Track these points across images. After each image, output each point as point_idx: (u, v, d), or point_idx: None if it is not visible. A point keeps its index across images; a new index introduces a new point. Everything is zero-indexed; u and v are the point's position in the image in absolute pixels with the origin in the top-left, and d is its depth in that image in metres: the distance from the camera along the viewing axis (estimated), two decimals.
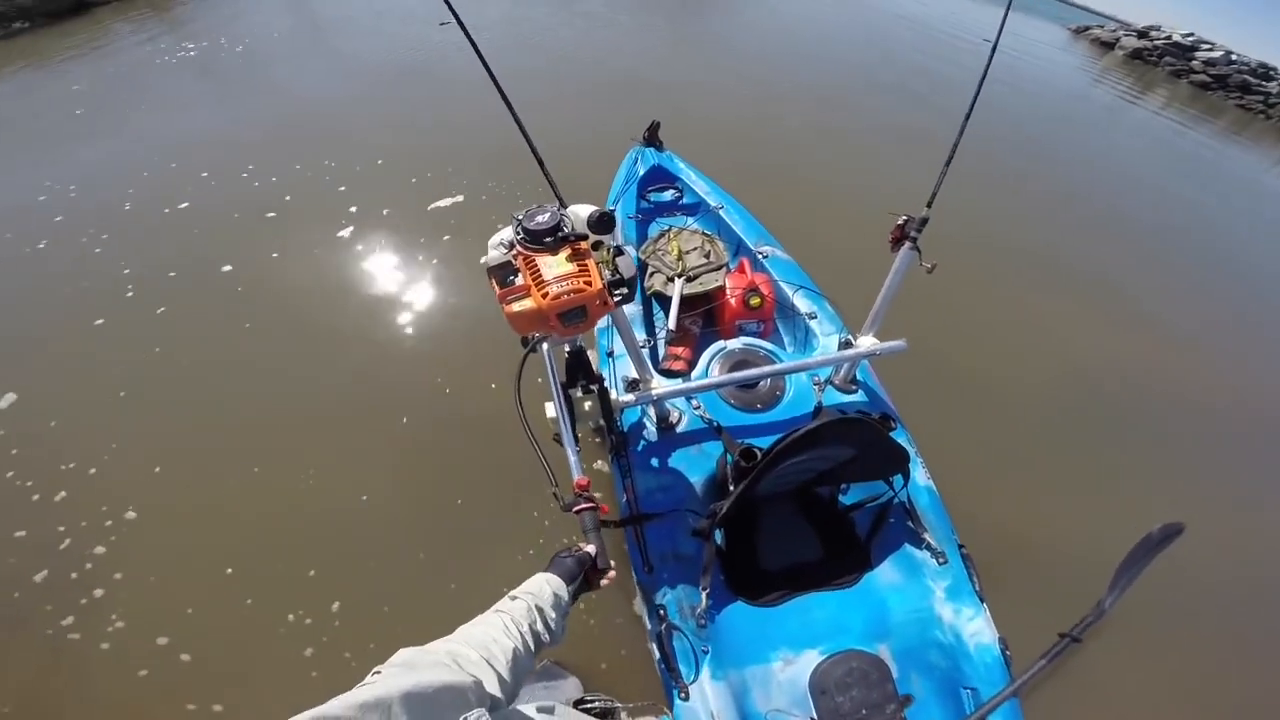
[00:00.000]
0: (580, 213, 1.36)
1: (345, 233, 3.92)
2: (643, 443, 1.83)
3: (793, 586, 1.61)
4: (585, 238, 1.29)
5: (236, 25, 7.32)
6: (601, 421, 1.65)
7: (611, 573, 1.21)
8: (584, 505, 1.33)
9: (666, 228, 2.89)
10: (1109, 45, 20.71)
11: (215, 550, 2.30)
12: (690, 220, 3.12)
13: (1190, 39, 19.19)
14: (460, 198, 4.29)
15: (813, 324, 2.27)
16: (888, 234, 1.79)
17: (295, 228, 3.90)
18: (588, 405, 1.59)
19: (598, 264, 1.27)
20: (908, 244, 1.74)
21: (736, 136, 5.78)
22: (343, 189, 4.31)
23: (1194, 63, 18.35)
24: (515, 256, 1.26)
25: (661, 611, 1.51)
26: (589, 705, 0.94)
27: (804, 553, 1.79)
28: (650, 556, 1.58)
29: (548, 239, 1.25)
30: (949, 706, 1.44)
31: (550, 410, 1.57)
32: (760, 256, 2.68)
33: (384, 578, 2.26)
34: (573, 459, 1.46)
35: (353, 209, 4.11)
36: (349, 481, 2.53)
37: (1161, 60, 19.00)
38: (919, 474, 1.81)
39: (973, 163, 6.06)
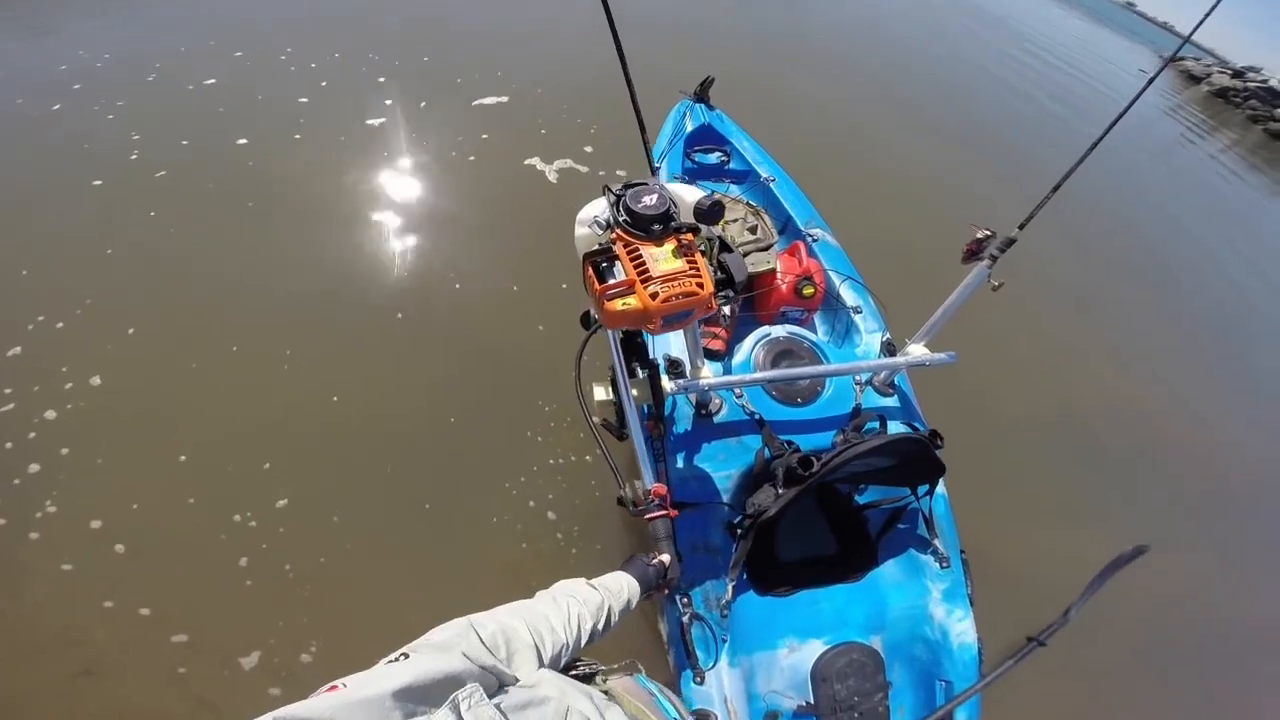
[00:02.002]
0: (685, 197, 1.16)
1: (377, 121, 3.61)
2: (680, 428, 1.71)
3: (805, 579, 1.63)
4: (695, 229, 1.11)
5: None
6: (644, 406, 1.54)
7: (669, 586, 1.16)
8: (657, 513, 1.22)
9: (710, 192, 2.53)
10: (1196, 79, 18.90)
11: (173, 432, 2.06)
12: (735, 188, 2.79)
13: None
14: (505, 98, 3.99)
15: (856, 318, 2.13)
16: (961, 245, 1.65)
17: (324, 113, 3.59)
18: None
19: (705, 260, 1.10)
20: (986, 261, 1.61)
21: (792, 107, 5.19)
22: (382, 80, 3.98)
23: (1278, 110, 16.61)
24: (614, 241, 1.08)
25: (685, 600, 1.48)
26: (575, 670, 0.88)
27: (819, 547, 1.83)
28: (679, 545, 1.48)
29: (655, 227, 1.07)
30: (921, 695, 1.52)
31: (599, 393, 1.51)
32: (810, 239, 2.42)
33: (342, 486, 2.04)
34: (646, 462, 1.37)
35: (388, 101, 3.79)
36: (325, 378, 2.29)
37: (1245, 103, 17.39)
38: (940, 483, 1.78)
39: (1007, 172, 5.56)
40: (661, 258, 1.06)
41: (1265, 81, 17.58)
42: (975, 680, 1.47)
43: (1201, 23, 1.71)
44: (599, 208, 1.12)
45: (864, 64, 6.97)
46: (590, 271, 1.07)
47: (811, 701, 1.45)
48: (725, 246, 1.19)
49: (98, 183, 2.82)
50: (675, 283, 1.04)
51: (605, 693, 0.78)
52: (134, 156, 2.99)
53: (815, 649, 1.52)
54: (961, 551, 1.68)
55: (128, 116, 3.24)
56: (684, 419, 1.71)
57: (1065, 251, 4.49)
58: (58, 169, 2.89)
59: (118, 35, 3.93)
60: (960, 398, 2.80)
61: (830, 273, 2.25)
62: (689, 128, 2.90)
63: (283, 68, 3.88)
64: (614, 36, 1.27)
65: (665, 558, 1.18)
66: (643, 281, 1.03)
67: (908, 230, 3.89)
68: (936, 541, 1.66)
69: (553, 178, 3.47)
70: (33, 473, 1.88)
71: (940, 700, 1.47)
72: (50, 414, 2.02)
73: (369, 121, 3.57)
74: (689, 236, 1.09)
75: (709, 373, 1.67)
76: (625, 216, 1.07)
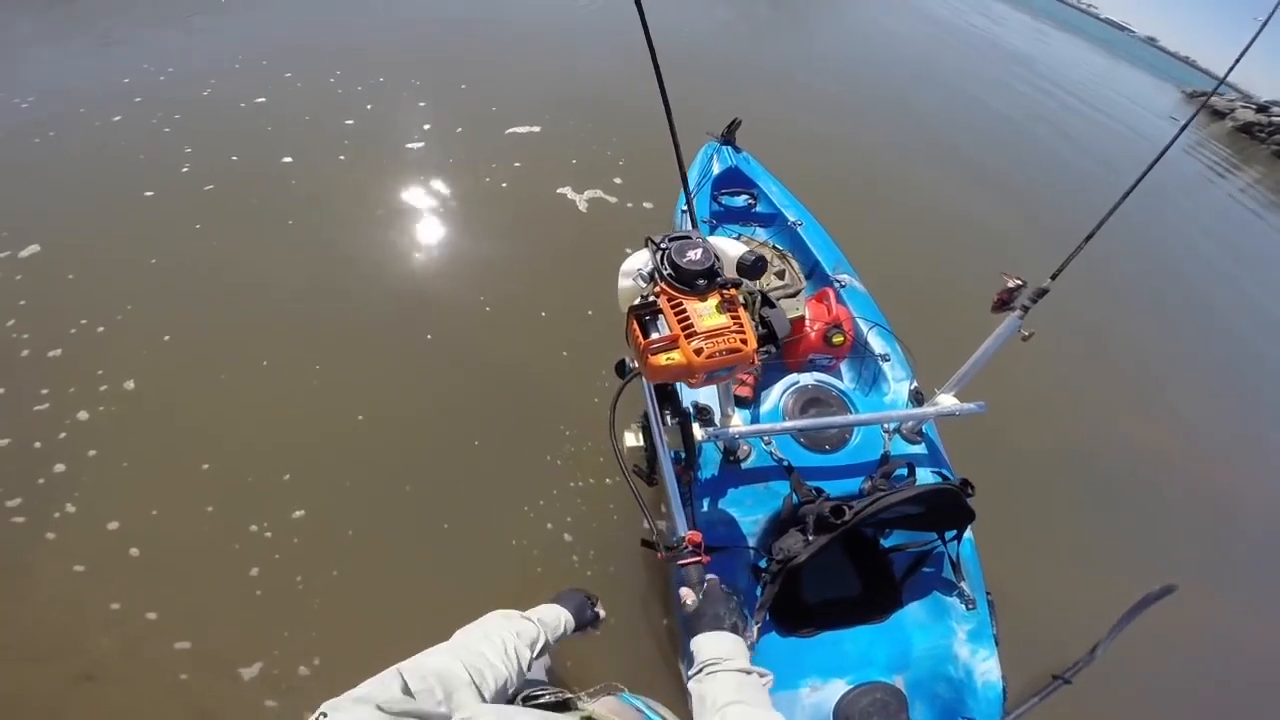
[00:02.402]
0: (729, 251, 1.14)
1: (417, 145, 3.69)
2: (708, 474, 1.71)
3: (829, 620, 1.61)
4: (738, 284, 1.10)
5: None
6: (674, 452, 1.55)
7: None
8: (690, 559, 1.20)
9: (736, 235, 2.60)
10: (1221, 115, 18.58)
11: (198, 440, 2.04)
12: (762, 232, 2.80)
13: None
14: (537, 128, 4.06)
15: (884, 366, 2.12)
16: (991, 293, 1.62)
17: (367, 135, 3.67)
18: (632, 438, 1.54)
19: (748, 315, 1.10)
20: (1018, 312, 1.58)
21: (815, 148, 5.15)
22: (422, 104, 4.08)
23: None
24: (658, 294, 1.08)
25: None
26: (538, 698, 0.84)
27: (844, 589, 1.81)
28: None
29: (700, 282, 1.07)
30: None
31: (629, 439, 1.54)
32: (838, 284, 2.40)
33: (359, 502, 2.00)
34: (678, 510, 1.35)
35: (426, 126, 3.87)
36: (352, 395, 2.27)
37: (1270, 138, 16.97)
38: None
39: (1033, 215, 5.43)
40: (705, 313, 1.05)
41: None
42: (999, 718, 1.46)
43: (1235, 64, 1.71)
44: (642, 260, 1.12)
45: (888, 105, 6.96)
46: (635, 325, 1.07)
47: None
48: (768, 301, 1.17)
49: (149, 194, 2.90)
50: (719, 339, 1.03)
51: (586, 719, 0.74)
52: (185, 170, 3.07)
53: (838, 689, 1.49)
54: (988, 593, 1.68)
55: (182, 130, 3.35)
56: (711, 464, 1.72)
57: (1081, 288, 4.32)
58: (112, 178, 2.97)
59: (179, 50, 4.12)
60: (981, 435, 2.70)
61: (858, 320, 2.23)
62: (716, 170, 2.90)
63: (330, 90, 4.00)
64: (656, 70, 1.25)
65: (602, 611, 1.16)
66: (687, 337, 1.02)
67: (933, 274, 3.84)
68: (963, 584, 1.65)
69: (583, 207, 3.48)
70: (58, 472, 1.88)
71: None
72: (83, 414, 2.03)
73: (409, 145, 3.64)
74: (732, 292, 1.08)
75: (739, 421, 1.68)
76: (669, 270, 1.07)
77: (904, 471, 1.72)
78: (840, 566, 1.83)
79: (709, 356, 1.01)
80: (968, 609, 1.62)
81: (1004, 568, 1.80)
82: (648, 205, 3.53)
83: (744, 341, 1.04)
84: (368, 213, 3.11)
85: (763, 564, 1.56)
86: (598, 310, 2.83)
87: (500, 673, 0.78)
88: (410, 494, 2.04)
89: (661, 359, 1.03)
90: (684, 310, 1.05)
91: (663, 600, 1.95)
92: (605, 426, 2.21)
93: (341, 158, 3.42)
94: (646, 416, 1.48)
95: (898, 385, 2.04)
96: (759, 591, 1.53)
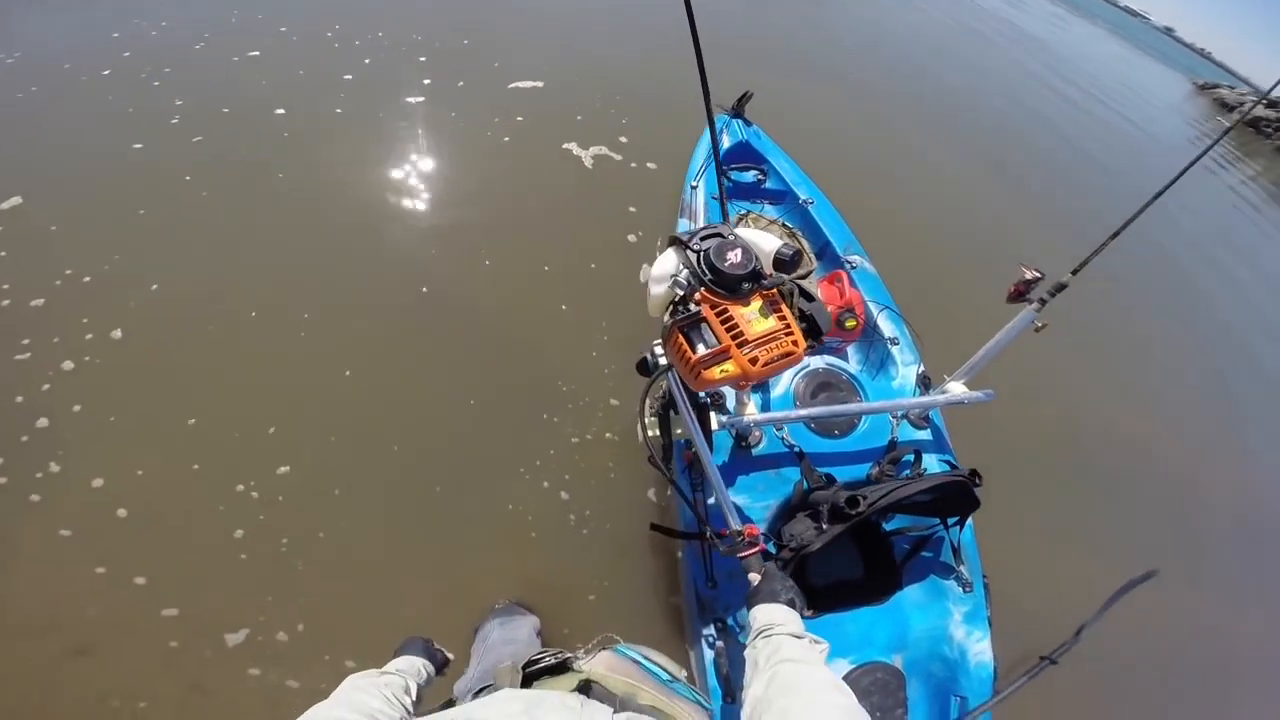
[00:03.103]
0: (764, 245, 1.08)
1: (416, 100, 3.53)
2: (719, 460, 1.69)
3: (833, 602, 1.62)
4: (780, 282, 1.04)
5: None
6: (682, 441, 1.56)
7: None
8: (749, 551, 1.17)
9: (744, 212, 2.53)
10: (1230, 107, 18.10)
11: (185, 395, 1.99)
12: (771, 209, 2.69)
13: None
14: (540, 83, 3.89)
15: (893, 350, 2.08)
16: (1005, 283, 1.57)
17: (365, 89, 3.52)
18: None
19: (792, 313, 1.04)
20: (1035, 305, 1.55)
21: (828, 126, 4.93)
22: (423, 59, 3.89)
23: None
24: (698, 301, 1.00)
25: (720, 625, 1.51)
26: (538, 663, 0.81)
27: (847, 571, 1.82)
28: (715, 573, 1.56)
29: (745, 285, 1.00)
30: (936, 710, 1.53)
31: (648, 431, 1.51)
32: (849, 266, 2.33)
33: (346, 461, 1.95)
34: (727, 503, 1.28)
35: (426, 80, 3.70)
36: (342, 350, 2.21)
37: (1277, 133, 16.53)
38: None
39: (1049, 210, 5.28)
40: (753, 318, 0.99)
41: None
42: (989, 697, 1.49)
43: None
44: (671, 264, 1.05)
45: (905, 86, 6.68)
46: (679, 337, 1.00)
47: None
48: (805, 294, 1.11)
49: (138, 146, 2.77)
50: (772, 345, 0.98)
51: (585, 683, 0.71)
52: (174, 121, 2.93)
53: (841, 668, 1.52)
54: (984, 577, 1.70)
55: (173, 84, 3.19)
56: (723, 450, 1.70)
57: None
58: (99, 131, 2.84)
59: (172, 4, 3.89)
60: (972, 418, 2.66)
61: (868, 303, 2.18)
62: (725, 144, 2.76)
63: (328, 44, 3.82)
64: (692, 29, 1.12)
65: (450, 654, 1.10)
66: (739, 346, 0.97)
67: (944, 259, 3.73)
68: (961, 568, 1.68)
69: (589, 163, 3.37)
70: (41, 428, 1.82)
71: (954, 715, 1.50)
72: (68, 364, 1.96)
73: (409, 99, 3.49)
74: (774, 291, 1.02)
75: (753, 409, 1.65)
76: (710, 275, 0.99)
77: (910, 458, 1.73)
78: (844, 549, 1.83)
79: (765, 365, 0.97)
80: (964, 592, 1.64)
81: (994, 551, 1.81)
82: (651, 166, 3.42)
83: (795, 343, 1.00)
84: (362, 166, 2.99)
85: (771, 548, 1.55)
86: (601, 264, 2.76)
87: (392, 715, 0.72)
88: (398, 454, 1.99)
89: (715, 372, 0.97)
90: (731, 318, 0.98)
91: (658, 557, 1.94)
92: (603, 381, 2.16)
93: (338, 110, 3.28)
94: (664, 407, 1.47)
95: (905, 369, 2.03)
96: None
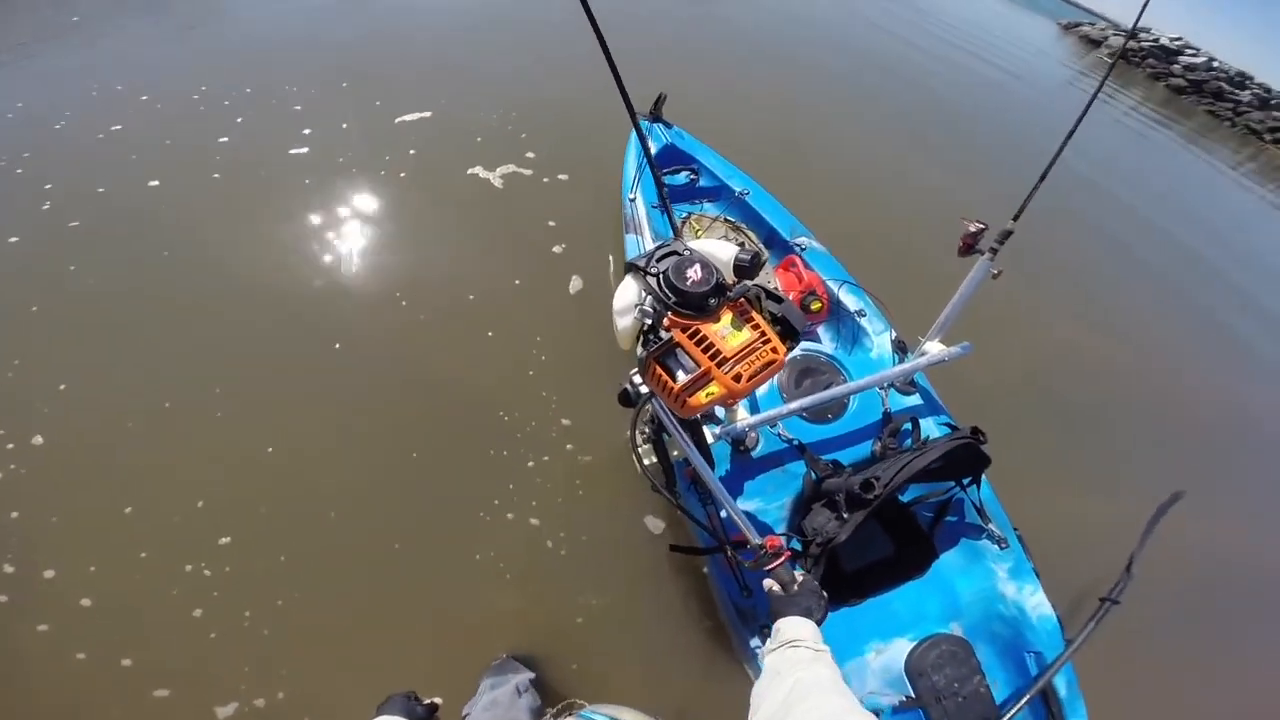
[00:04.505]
0: (720, 254, 1.08)
1: (299, 150, 3.53)
2: (721, 470, 1.71)
3: (872, 585, 1.65)
4: (746, 291, 1.03)
5: None
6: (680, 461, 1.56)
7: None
8: (775, 562, 1.15)
9: (685, 214, 2.60)
10: (1096, 43, 20.32)
11: (117, 486, 2.02)
12: (710, 206, 2.77)
13: (1177, 43, 18.86)
14: (429, 113, 3.96)
15: (862, 321, 2.15)
16: (956, 241, 1.68)
17: (242, 149, 3.49)
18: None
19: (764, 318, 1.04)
20: (987, 255, 1.66)
21: (738, 109, 5.23)
22: (298, 108, 3.89)
23: (1175, 67, 18.09)
24: (668, 327, 0.99)
25: (765, 631, 1.51)
26: None
27: (878, 551, 1.85)
28: (747, 580, 1.57)
29: (711, 301, 0.99)
30: (1012, 669, 1.55)
31: (646, 459, 1.52)
32: (798, 248, 2.41)
33: (283, 527, 2.00)
34: (742, 519, 1.27)
35: (307, 130, 3.70)
36: (262, 423, 2.24)
37: (1144, 62, 18.69)
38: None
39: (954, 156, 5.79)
40: (726, 333, 0.98)
41: (1156, 40, 19.05)
42: (1061, 648, 1.50)
43: (1142, 14, 1.68)
44: (633, 292, 1.04)
45: (796, 59, 7.15)
46: (657, 369, 0.99)
47: (913, 695, 1.49)
48: (772, 296, 1.11)
49: (14, 240, 2.71)
50: (753, 356, 0.97)
51: None
52: (46, 207, 2.87)
53: (902, 647, 1.56)
54: (1015, 530, 1.74)
55: (37, 169, 3.10)
56: (723, 460, 1.71)
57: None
58: None
59: (23, 86, 3.77)
60: (953, 379, 2.83)
61: (827, 282, 2.25)
62: (652, 150, 2.85)
63: (194, 107, 3.76)
64: (602, 44, 1.15)
65: (437, 700, 1.12)
66: (719, 365, 0.96)
67: (879, 221, 4.00)
68: (990, 526, 1.72)
69: (499, 183, 3.47)
70: None
71: (1033, 669, 1.52)
72: None
73: (292, 151, 3.50)
74: (742, 301, 1.02)
75: (744, 412, 1.67)
76: (674, 297, 0.98)
77: (909, 426, 1.77)
78: (870, 530, 1.86)
79: (750, 379, 0.96)
80: (1001, 549, 1.69)
81: (1009, 505, 1.87)
82: (563, 177, 3.55)
83: (775, 350, 0.99)
84: (251, 228, 2.98)
85: (796, 545, 1.58)
86: (526, 281, 2.84)
87: None
88: (336, 519, 2.01)
89: (701, 397, 0.96)
90: (704, 338, 0.97)
91: (639, 557, 2.02)
92: (546, 402, 2.23)
93: (216, 175, 3.25)
94: (656, 431, 1.46)
95: (878, 338, 2.09)
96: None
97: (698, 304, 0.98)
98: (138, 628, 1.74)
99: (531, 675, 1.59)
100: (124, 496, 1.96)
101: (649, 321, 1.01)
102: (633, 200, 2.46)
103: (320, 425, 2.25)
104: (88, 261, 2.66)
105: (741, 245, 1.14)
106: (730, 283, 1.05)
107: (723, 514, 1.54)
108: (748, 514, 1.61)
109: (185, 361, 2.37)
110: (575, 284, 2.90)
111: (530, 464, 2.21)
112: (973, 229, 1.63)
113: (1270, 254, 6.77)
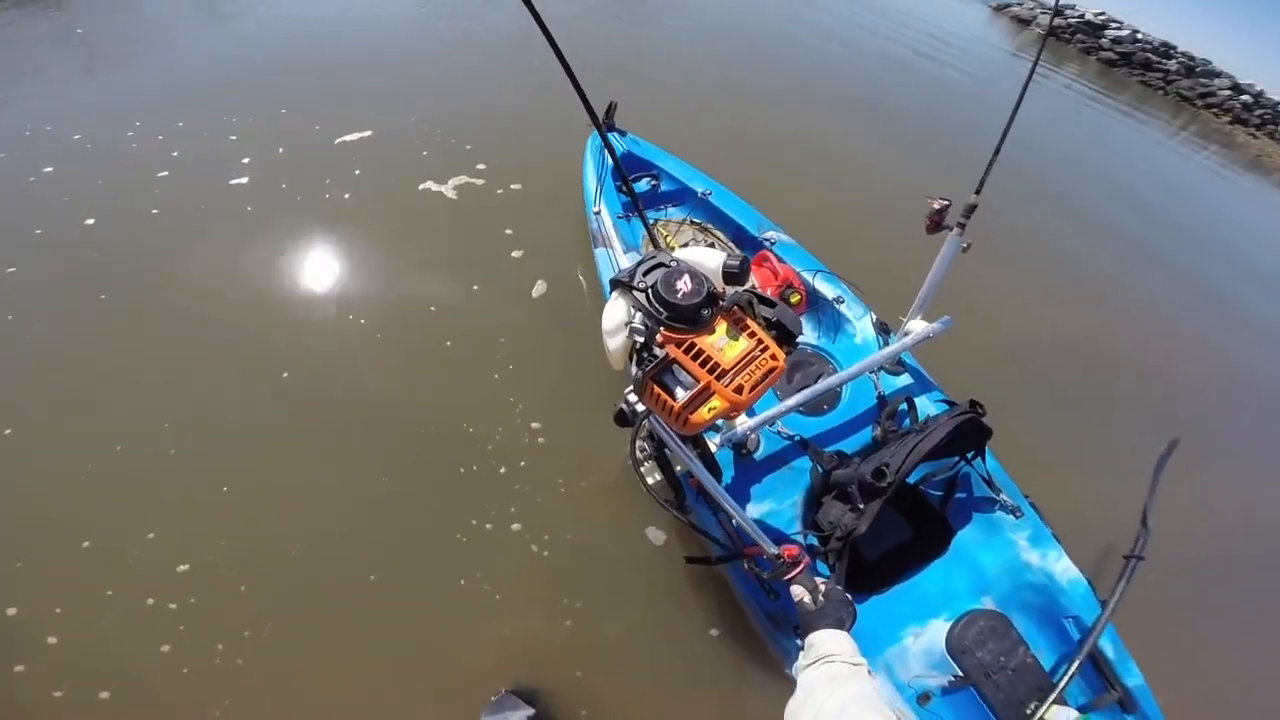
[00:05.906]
0: (707, 262, 1.07)
1: (239, 180, 3.50)
2: (727, 477, 1.72)
3: (895, 572, 1.68)
4: (738, 298, 1.02)
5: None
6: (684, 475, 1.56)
7: None
8: (794, 571, 1.18)
9: (652, 221, 2.63)
10: (1026, 22, 21.52)
11: (70, 524, 2.02)
12: (675, 210, 2.85)
13: (1101, 18, 20.15)
14: (369, 132, 3.98)
15: (841, 308, 2.21)
16: (923, 219, 1.75)
17: (178, 182, 3.45)
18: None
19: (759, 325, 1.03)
20: (955, 230, 1.71)
21: (688, 110, 5.32)
22: (234, 138, 3.85)
23: (1103, 40, 19.26)
24: (662, 344, 0.97)
25: (799, 632, 1.49)
26: None
27: (896, 536, 1.88)
28: (773, 584, 1.56)
29: (704, 313, 0.98)
30: (1053, 635, 1.58)
31: (650, 478, 1.53)
32: (769, 243, 2.48)
33: (245, 567, 1.97)
34: (753, 528, 1.28)
35: (245, 159, 3.67)
36: (213, 461, 2.21)
37: (1074, 38, 19.87)
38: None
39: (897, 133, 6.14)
40: (722, 344, 0.98)
41: (1081, 16, 20.39)
42: (1097, 610, 1.53)
43: None
44: (622, 310, 1.02)
45: (742, 56, 7.36)
46: (655, 389, 0.98)
47: (960, 674, 1.51)
48: (765, 301, 1.10)
49: None
50: (753, 366, 0.97)
51: None
52: None
53: (939, 628, 1.58)
54: (1027, 497, 1.79)
55: None
56: (726, 466, 1.72)
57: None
58: None
59: None
60: (938, 357, 3.00)
61: (801, 273, 2.31)
62: (610, 161, 2.90)
63: (127, 144, 3.70)
64: (560, 58, 1.18)
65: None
66: (719, 379, 0.95)
67: (844, 208, 4.15)
68: (1001, 496, 1.77)
69: (452, 195, 3.51)
70: None
71: (1074, 634, 1.56)
72: None
73: (231, 182, 3.47)
74: (736, 310, 1.01)
75: (743, 416, 1.67)
76: (665, 312, 0.97)
77: (905, 407, 1.81)
78: (885, 516, 1.86)
79: (752, 389, 0.95)
80: (1016, 518, 1.73)
81: (1011, 471, 1.91)
82: (516, 186, 3.61)
83: (774, 358, 0.99)
84: (187, 262, 2.94)
85: (811, 540, 1.60)
86: (486, 288, 2.87)
87: None
88: (302, 551, 1.98)
89: (704, 413, 0.94)
90: (701, 351, 0.96)
91: (624, 542, 2.06)
92: (512, 409, 2.23)
93: (154, 210, 3.20)
94: (658, 447, 1.46)
95: (860, 323, 2.14)
96: (823, 570, 1.58)
97: (690, 316, 0.97)
98: (113, 663, 1.73)
99: (531, 712, 1.56)
100: (79, 532, 1.95)
101: (640, 339, 0.99)
102: (598, 213, 2.50)
103: (275, 458, 2.22)
104: (23, 310, 2.60)
105: (729, 253, 1.11)
106: (720, 291, 1.04)
107: (734, 522, 1.53)
108: (761, 518, 1.64)
109: (133, 401, 2.33)
110: (539, 288, 2.94)
111: (503, 470, 2.22)
112: (937, 206, 1.69)
113: (1229, 208, 7.43)
